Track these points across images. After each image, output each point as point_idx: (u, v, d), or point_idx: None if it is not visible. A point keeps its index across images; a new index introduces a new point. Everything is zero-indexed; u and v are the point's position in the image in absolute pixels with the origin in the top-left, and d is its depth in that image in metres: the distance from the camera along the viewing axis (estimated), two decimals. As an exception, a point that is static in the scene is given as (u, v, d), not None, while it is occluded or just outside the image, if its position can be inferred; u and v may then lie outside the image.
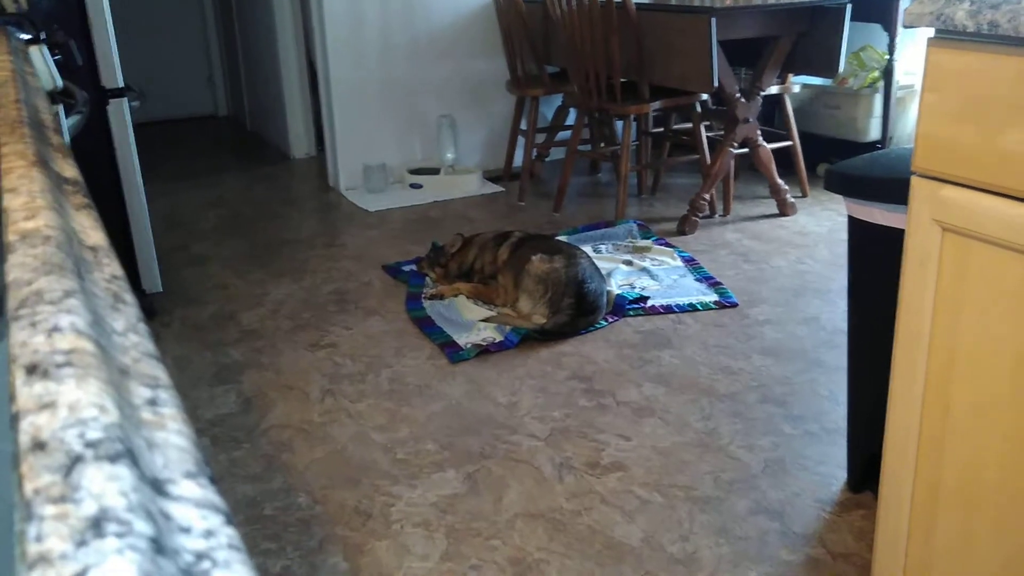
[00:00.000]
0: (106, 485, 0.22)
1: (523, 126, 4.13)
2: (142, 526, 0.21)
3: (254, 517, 1.80)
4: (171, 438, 0.27)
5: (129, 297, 0.38)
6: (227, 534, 0.23)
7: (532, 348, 2.52)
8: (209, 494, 0.24)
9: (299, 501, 1.85)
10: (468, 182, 4.14)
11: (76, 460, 0.23)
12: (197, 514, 0.23)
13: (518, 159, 4.21)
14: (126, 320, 0.35)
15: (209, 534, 0.23)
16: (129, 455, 0.23)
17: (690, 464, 1.94)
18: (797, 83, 3.86)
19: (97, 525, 0.20)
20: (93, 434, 0.24)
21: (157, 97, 5.44)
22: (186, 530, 0.22)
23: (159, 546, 0.20)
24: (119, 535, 0.20)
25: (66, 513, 0.21)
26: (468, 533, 1.73)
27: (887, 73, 3.79)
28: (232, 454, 2.04)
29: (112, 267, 0.41)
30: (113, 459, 0.23)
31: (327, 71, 4.07)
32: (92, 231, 0.46)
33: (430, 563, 1.65)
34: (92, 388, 0.26)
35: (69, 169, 0.61)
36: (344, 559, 1.67)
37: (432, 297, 2.86)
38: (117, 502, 0.21)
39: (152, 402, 0.29)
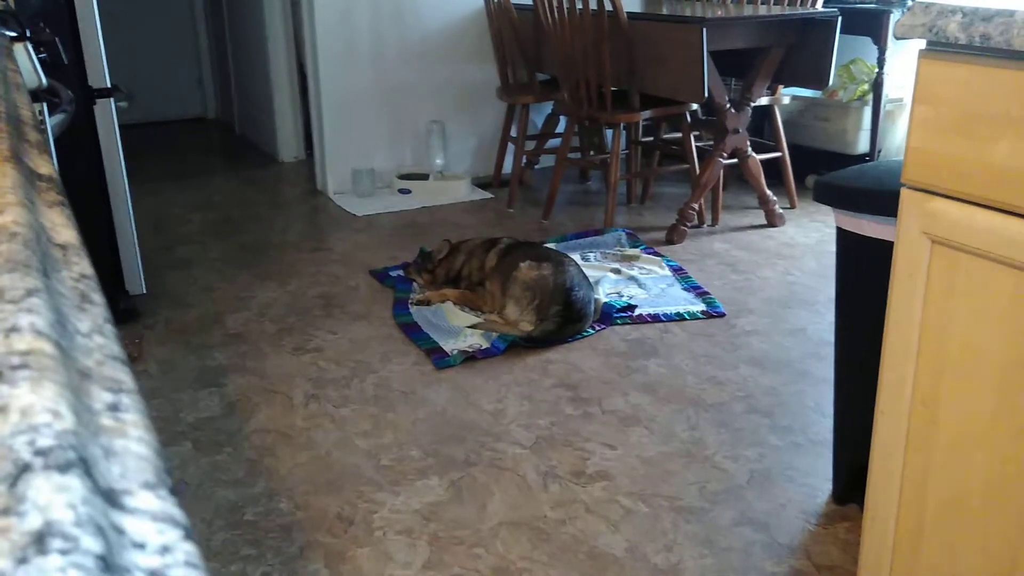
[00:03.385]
0: (53, 497, 0.20)
1: (513, 133, 4.12)
2: (89, 542, 0.19)
3: (235, 522, 1.78)
4: (131, 446, 0.25)
5: (97, 297, 0.37)
6: (184, 550, 0.21)
7: (519, 355, 2.50)
8: (168, 507, 0.23)
9: (281, 506, 1.83)
10: (457, 188, 4.13)
11: (24, 469, 0.21)
12: (153, 528, 0.22)
13: (508, 166, 4.21)
14: (92, 321, 0.34)
15: (165, 550, 0.21)
16: (82, 464, 0.22)
17: (675, 474, 1.93)
18: (787, 95, 3.87)
19: (41, 540, 0.19)
20: (44, 441, 0.22)
21: (146, 98, 5.41)
22: (140, 546, 0.21)
23: (107, 564, 0.19)
24: (63, 552, 0.19)
25: (8, 527, 0.19)
26: (451, 541, 1.71)
27: (876, 86, 3.81)
28: (214, 458, 2.01)
29: (81, 266, 0.40)
30: (63, 469, 0.21)
31: (317, 75, 4.05)
32: (63, 228, 0.45)
33: (412, 571, 1.63)
34: (47, 392, 0.25)
35: (44, 166, 0.60)
36: (325, 566, 1.65)
37: (419, 303, 2.84)
38: (64, 515, 0.20)
39: (113, 407, 0.27)
